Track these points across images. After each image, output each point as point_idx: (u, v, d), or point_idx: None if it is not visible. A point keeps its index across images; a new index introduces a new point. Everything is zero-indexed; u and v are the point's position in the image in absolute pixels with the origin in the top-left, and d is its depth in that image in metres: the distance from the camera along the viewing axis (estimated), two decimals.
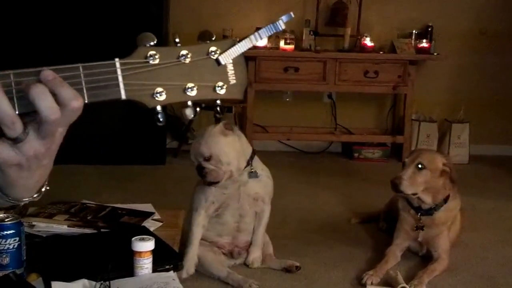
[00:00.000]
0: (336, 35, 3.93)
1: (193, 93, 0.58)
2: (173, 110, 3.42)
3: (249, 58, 3.66)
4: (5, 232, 1.09)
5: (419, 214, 2.17)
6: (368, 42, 3.84)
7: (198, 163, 1.94)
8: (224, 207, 2.00)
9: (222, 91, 0.59)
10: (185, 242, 1.93)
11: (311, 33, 3.83)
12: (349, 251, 2.31)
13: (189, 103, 0.59)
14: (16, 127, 0.52)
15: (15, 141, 0.53)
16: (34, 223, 1.40)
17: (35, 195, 0.61)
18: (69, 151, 3.97)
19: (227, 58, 0.59)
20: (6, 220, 1.10)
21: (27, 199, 0.60)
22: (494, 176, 3.65)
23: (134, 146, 3.58)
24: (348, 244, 2.39)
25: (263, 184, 2.04)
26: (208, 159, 1.91)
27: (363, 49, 3.84)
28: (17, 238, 1.10)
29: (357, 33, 3.91)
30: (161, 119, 0.59)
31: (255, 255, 2.09)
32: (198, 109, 0.60)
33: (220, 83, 0.59)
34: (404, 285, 1.92)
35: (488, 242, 2.47)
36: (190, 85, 0.58)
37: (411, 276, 2.06)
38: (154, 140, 3.58)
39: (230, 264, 2.07)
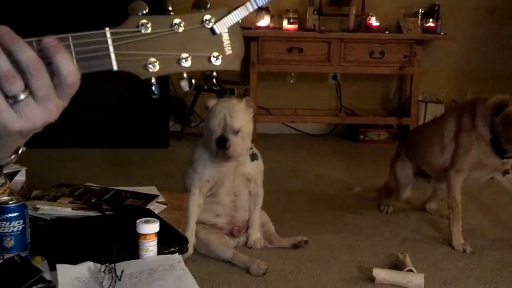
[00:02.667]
0: (341, 15, 3.87)
1: (187, 63, 0.56)
2: (175, 93, 3.37)
3: (251, 39, 3.62)
4: (9, 215, 1.08)
5: (503, 158, 2.13)
6: (373, 21, 3.78)
7: (222, 134, 1.91)
8: (218, 186, 2.01)
9: (218, 62, 0.57)
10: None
11: (315, 12, 3.77)
12: (355, 234, 2.29)
13: (185, 74, 0.57)
14: (17, 82, 0.51)
15: (15, 100, 0.51)
16: (38, 206, 1.38)
17: (12, 156, 0.60)
18: (73, 135, 3.97)
19: (223, 27, 0.56)
20: (10, 202, 1.09)
21: (3, 159, 0.59)
22: None
23: (138, 129, 3.56)
24: (355, 227, 2.37)
25: (257, 165, 2.07)
26: (236, 132, 1.91)
27: (369, 29, 3.78)
28: (21, 221, 1.08)
29: (362, 12, 3.85)
30: (155, 92, 0.57)
31: (256, 237, 2.11)
32: (193, 81, 0.57)
33: (216, 54, 0.57)
34: (411, 268, 1.91)
35: (496, 225, 2.45)
36: (184, 55, 0.56)
37: (420, 259, 2.05)
38: (157, 124, 3.57)
39: (234, 244, 2.08)
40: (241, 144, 1.94)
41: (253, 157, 2.04)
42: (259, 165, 2.08)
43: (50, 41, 0.51)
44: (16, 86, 0.51)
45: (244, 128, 1.94)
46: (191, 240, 1.95)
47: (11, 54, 0.50)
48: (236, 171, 2.02)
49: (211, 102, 2.00)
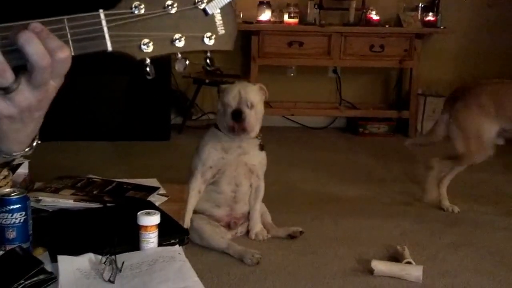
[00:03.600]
0: (341, 9, 3.86)
1: (181, 44, 0.57)
2: (177, 86, 3.36)
3: (252, 33, 3.61)
4: (12, 207, 1.08)
5: None
6: (373, 15, 3.78)
7: (237, 107, 1.96)
8: (221, 174, 2.03)
9: (211, 42, 0.58)
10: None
11: (316, 6, 3.77)
12: (354, 226, 2.30)
13: (179, 55, 0.58)
14: (6, 75, 0.51)
15: (6, 91, 0.52)
16: (40, 197, 1.39)
17: (26, 149, 0.61)
18: (74, 127, 3.96)
19: (215, 7, 0.57)
20: (12, 194, 1.09)
21: (18, 153, 0.60)
22: (500, 151, 3.61)
23: (139, 122, 3.56)
24: (353, 219, 2.38)
25: (262, 156, 2.09)
26: (251, 107, 1.97)
27: (369, 22, 3.78)
28: (23, 213, 1.09)
29: (363, 6, 3.84)
30: (150, 72, 0.58)
31: (257, 229, 2.13)
32: (187, 62, 0.59)
33: (209, 34, 0.58)
34: (410, 260, 1.92)
35: (495, 216, 2.46)
36: (177, 36, 0.57)
37: (418, 251, 2.06)
38: (159, 116, 3.57)
39: (231, 236, 2.10)
40: (256, 119, 1.99)
41: (262, 147, 2.08)
42: (263, 157, 2.10)
43: (36, 26, 0.52)
44: (5, 79, 0.51)
45: (257, 106, 2.00)
46: (187, 225, 1.97)
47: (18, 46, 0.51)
48: (240, 160, 2.04)
49: (226, 85, 2.07)
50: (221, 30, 0.58)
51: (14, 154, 0.60)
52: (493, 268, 1.97)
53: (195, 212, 2.05)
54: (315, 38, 3.69)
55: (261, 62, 3.70)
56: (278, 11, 3.76)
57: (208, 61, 0.60)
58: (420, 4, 3.84)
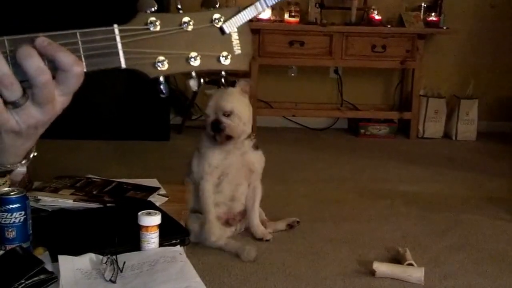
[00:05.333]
0: (343, 8, 3.85)
1: (196, 63, 0.55)
2: (176, 85, 3.37)
3: (252, 32, 3.57)
4: (11, 206, 1.07)
5: None
6: (375, 15, 3.76)
7: (215, 118, 1.97)
8: (224, 175, 2.05)
9: (227, 62, 0.56)
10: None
11: (317, 5, 3.75)
12: (355, 228, 2.30)
13: (193, 73, 0.56)
14: (14, 89, 0.50)
15: (14, 105, 0.51)
16: (39, 197, 1.38)
17: (23, 161, 0.60)
18: (74, 127, 3.96)
19: (232, 26, 0.56)
20: (11, 194, 1.08)
21: (14, 165, 0.59)
22: (502, 153, 3.62)
23: (138, 122, 3.56)
24: (355, 221, 2.37)
25: (260, 156, 2.11)
26: (228, 114, 1.97)
27: (371, 22, 3.76)
28: (23, 212, 1.08)
29: (364, 5, 3.83)
30: (164, 91, 0.56)
31: (261, 229, 2.14)
32: (202, 80, 0.57)
33: (225, 53, 0.56)
34: (412, 261, 1.91)
35: (496, 219, 2.45)
36: (193, 54, 0.55)
37: (420, 253, 2.05)
38: (158, 116, 3.56)
39: (230, 233, 2.11)
40: (238, 126, 1.98)
41: (256, 147, 2.09)
42: (261, 155, 2.11)
43: (43, 40, 0.50)
44: (13, 92, 0.50)
45: (238, 110, 1.97)
46: (217, 224, 2.00)
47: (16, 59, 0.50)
48: (242, 160, 2.05)
49: (209, 91, 2.06)
50: (237, 50, 0.57)
51: (8, 166, 0.59)
52: (494, 271, 1.96)
53: (192, 211, 2.04)
54: (317, 38, 3.68)
55: (261, 61, 3.68)
56: (278, 9, 3.74)
57: (223, 80, 0.58)
58: (423, 4, 3.83)
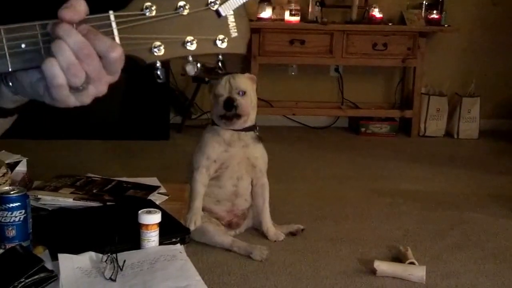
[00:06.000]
0: (344, 6, 3.84)
1: (192, 47, 0.55)
2: (176, 85, 3.37)
3: (253, 31, 3.59)
4: (11, 205, 1.07)
5: None
6: (376, 13, 3.75)
7: (228, 96, 1.99)
8: (224, 168, 2.03)
9: (224, 45, 0.56)
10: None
11: (317, 4, 3.74)
12: (356, 226, 2.29)
13: (190, 58, 0.56)
14: (80, 76, 0.52)
15: (78, 90, 0.54)
16: (39, 196, 1.38)
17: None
18: (74, 126, 3.96)
19: (228, 9, 0.55)
20: (11, 192, 1.08)
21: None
22: (504, 151, 3.61)
23: (138, 121, 3.55)
24: (356, 219, 2.37)
25: (262, 149, 2.10)
26: (242, 94, 2.00)
27: (372, 20, 3.75)
28: (23, 211, 1.08)
29: (365, 3, 3.82)
30: (161, 76, 0.56)
31: (273, 230, 2.12)
32: (199, 64, 0.56)
33: (221, 36, 0.56)
34: (413, 260, 1.91)
35: (498, 217, 2.44)
36: (189, 38, 0.55)
37: (421, 252, 2.05)
38: (158, 116, 3.56)
39: (231, 235, 2.09)
40: (249, 105, 2.01)
41: (260, 139, 2.09)
42: (263, 150, 2.11)
43: (83, 27, 0.52)
44: (80, 78, 0.52)
45: (250, 92, 2.02)
46: (199, 212, 1.97)
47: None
48: (243, 152, 2.04)
49: (214, 81, 2.09)
50: (234, 33, 0.56)
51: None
52: (496, 269, 1.95)
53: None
54: (317, 36, 3.67)
55: (262, 60, 3.68)
56: (279, 8, 3.73)
57: (220, 64, 0.58)
58: (424, 2, 3.82)
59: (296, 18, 3.69)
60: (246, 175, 2.08)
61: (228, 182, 2.05)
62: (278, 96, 3.97)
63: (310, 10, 3.74)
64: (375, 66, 3.85)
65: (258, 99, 3.79)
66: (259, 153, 2.09)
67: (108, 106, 3.52)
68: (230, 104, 1.98)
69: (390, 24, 3.76)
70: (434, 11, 3.77)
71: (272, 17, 3.71)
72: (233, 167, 2.03)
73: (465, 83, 3.95)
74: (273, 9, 3.72)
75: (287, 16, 3.70)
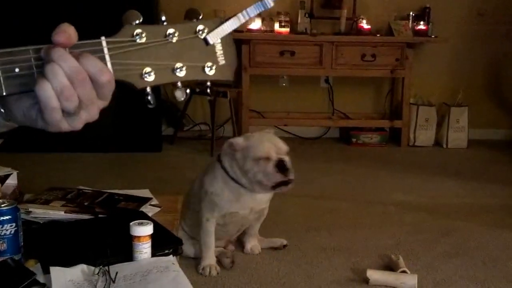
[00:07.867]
0: (332, 18, 3.88)
1: (182, 73, 0.57)
2: (167, 96, 3.36)
3: (243, 42, 3.62)
4: (2, 218, 1.07)
5: None
6: (364, 24, 3.80)
7: (278, 158, 1.80)
8: (232, 216, 1.93)
9: (212, 72, 0.58)
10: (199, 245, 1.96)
11: (307, 15, 3.79)
12: (348, 236, 2.30)
13: (179, 84, 0.57)
14: (73, 100, 0.52)
15: (69, 115, 0.53)
16: (30, 209, 1.37)
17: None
18: (65, 139, 3.92)
19: (215, 37, 0.57)
20: (2, 205, 1.07)
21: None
22: (493, 160, 3.65)
23: (130, 133, 3.54)
24: (348, 229, 2.37)
25: (269, 194, 1.96)
26: (287, 154, 1.84)
27: (360, 31, 3.80)
28: (14, 224, 1.07)
29: (353, 15, 3.87)
30: (151, 101, 0.57)
31: (253, 243, 2.11)
32: (188, 90, 0.58)
33: (209, 63, 0.58)
34: (405, 269, 1.92)
35: (488, 226, 2.47)
36: (178, 65, 0.56)
37: (413, 260, 2.06)
38: (150, 127, 3.55)
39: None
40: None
41: None
42: (269, 196, 1.98)
43: (76, 51, 0.52)
44: (73, 102, 0.52)
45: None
46: (214, 261, 1.92)
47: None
48: (252, 208, 1.92)
49: (237, 139, 1.87)
50: (221, 60, 0.58)
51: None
52: (486, 277, 1.97)
53: (191, 238, 2.00)
54: (307, 48, 3.70)
55: (252, 71, 3.70)
56: (268, 19, 3.77)
57: (208, 90, 0.60)
58: (411, 13, 3.87)
59: (286, 29, 3.72)
60: (253, 222, 2.03)
61: (233, 228, 2.00)
62: (269, 107, 3.99)
63: (299, 21, 3.77)
64: (364, 76, 3.88)
65: (250, 110, 3.84)
66: (266, 201, 1.96)
67: (100, 119, 3.50)
68: (284, 166, 1.77)
69: (378, 35, 3.81)
70: (421, 22, 3.82)
71: (262, 28, 3.74)
72: (241, 217, 1.94)
73: (453, 93, 4.00)
74: (263, 20, 3.75)
75: (276, 27, 3.74)
